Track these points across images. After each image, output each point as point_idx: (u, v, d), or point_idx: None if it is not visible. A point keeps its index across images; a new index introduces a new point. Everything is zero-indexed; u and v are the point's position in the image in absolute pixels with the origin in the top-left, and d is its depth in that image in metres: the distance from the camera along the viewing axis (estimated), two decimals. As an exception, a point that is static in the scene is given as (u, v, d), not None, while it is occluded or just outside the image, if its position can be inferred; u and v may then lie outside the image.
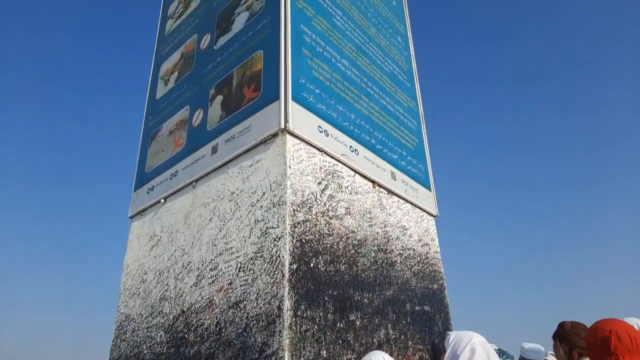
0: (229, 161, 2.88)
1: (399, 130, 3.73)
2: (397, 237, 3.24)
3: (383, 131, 3.48)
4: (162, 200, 3.36)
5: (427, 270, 3.46)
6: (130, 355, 3.03)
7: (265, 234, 2.43)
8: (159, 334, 2.84)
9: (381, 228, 3.10)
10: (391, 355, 2.64)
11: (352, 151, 3.06)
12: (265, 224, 2.46)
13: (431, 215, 3.83)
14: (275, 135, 2.63)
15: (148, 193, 3.58)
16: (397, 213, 3.36)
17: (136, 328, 3.08)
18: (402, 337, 2.84)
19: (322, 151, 2.80)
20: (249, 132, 2.79)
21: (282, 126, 2.58)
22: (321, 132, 2.83)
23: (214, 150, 3.02)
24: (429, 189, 3.90)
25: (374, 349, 2.54)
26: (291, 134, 2.61)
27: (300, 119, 2.70)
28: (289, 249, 2.30)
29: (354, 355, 2.40)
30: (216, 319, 2.48)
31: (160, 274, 3.08)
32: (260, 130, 2.71)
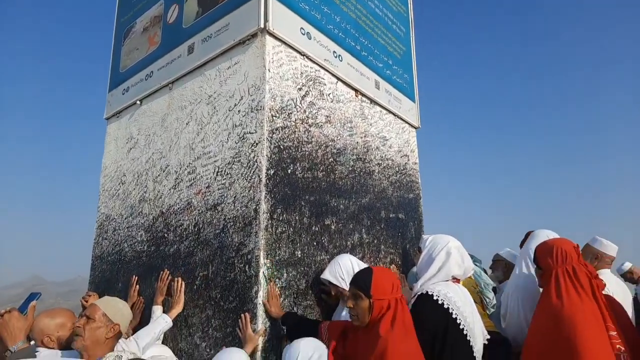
0: (206, 62, 2.75)
1: (386, 36, 3.56)
2: (377, 147, 3.26)
3: (369, 37, 3.33)
4: (138, 102, 3.25)
5: (405, 180, 3.53)
6: (112, 253, 3.13)
7: (243, 139, 2.41)
8: (139, 233, 2.92)
9: (361, 138, 3.09)
10: (363, 257, 2.79)
11: (336, 57, 2.94)
12: (243, 129, 2.43)
13: (413, 127, 3.82)
14: (254, 35, 2.49)
15: (123, 94, 3.45)
16: (378, 123, 3.34)
17: (117, 227, 3.16)
18: (375, 242, 2.98)
19: (303, 55, 2.68)
20: (226, 31, 2.62)
21: (262, 26, 2.43)
22: (303, 34, 2.69)
23: (190, 50, 2.86)
24: (413, 100, 3.84)
25: (347, 252, 2.67)
26: (271, 34, 2.47)
27: (281, 18, 2.53)
28: (267, 155, 2.30)
29: (328, 256, 2.53)
30: (195, 220, 2.54)
31: (138, 176, 3.08)
32: (239, 30, 2.55)
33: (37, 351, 2.06)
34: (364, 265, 2.27)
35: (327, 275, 2.29)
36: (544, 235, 2.38)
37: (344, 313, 2.20)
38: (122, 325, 1.93)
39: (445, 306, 1.85)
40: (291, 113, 2.52)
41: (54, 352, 2.01)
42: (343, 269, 2.25)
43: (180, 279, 2.45)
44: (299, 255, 2.37)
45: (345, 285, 2.23)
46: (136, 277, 2.76)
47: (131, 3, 3.73)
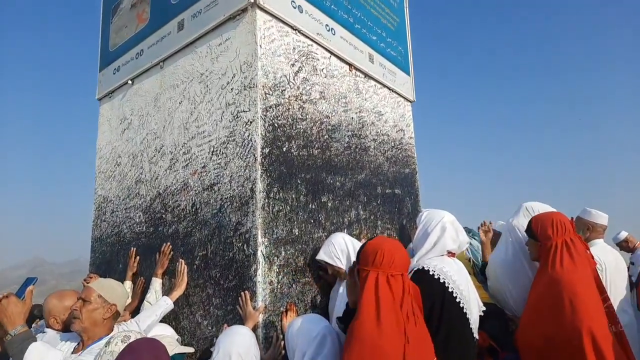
0: (197, 39, 2.70)
1: (379, 8, 3.49)
2: (372, 123, 3.24)
3: (362, 8, 3.26)
4: (130, 82, 3.20)
5: (401, 155, 3.53)
6: (111, 234, 3.15)
7: (237, 117, 2.38)
8: (137, 215, 2.93)
9: (356, 113, 3.07)
10: (360, 233, 2.81)
11: (328, 30, 2.88)
12: (236, 107, 2.40)
13: (408, 100, 3.79)
14: (244, 10, 2.43)
15: (114, 74, 3.40)
16: (373, 98, 3.30)
17: (115, 209, 3.16)
18: (371, 217, 3.00)
19: (295, 30, 2.63)
20: (216, 6, 2.56)
21: (252, 0, 2.37)
22: (295, 7, 2.63)
23: (180, 26, 2.80)
24: (408, 73, 3.80)
25: (344, 228, 2.69)
26: (261, 9, 2.41)
27: (272, -8, 2.47)
28: (261, 133, 2.28)
29: (325, 233, 2.54)
30: (192, 200, 2.54)
31: (134, 157, 3.07)
32: (228, 5, 2.49)
33: (44, 332, 2.10)
34: (358, 243, 2.29)
35: (322, 255, 2.31)
36: (524, 209, 2.39)
37: (341, 290, 2.23)
38: (119, 305, 1.96)
39: (441, 280, 1.88)
40: (284, 90, 2.49)
41: (56, 334, 2.05)
42: (337, 248, 2.27)
43: (183, 261, 2.46)
44: (297, 233, 2.38)
45: (340, 263, 2.25)
46: (134, 249, 2.79)
47: (117, -22, 3.62)
